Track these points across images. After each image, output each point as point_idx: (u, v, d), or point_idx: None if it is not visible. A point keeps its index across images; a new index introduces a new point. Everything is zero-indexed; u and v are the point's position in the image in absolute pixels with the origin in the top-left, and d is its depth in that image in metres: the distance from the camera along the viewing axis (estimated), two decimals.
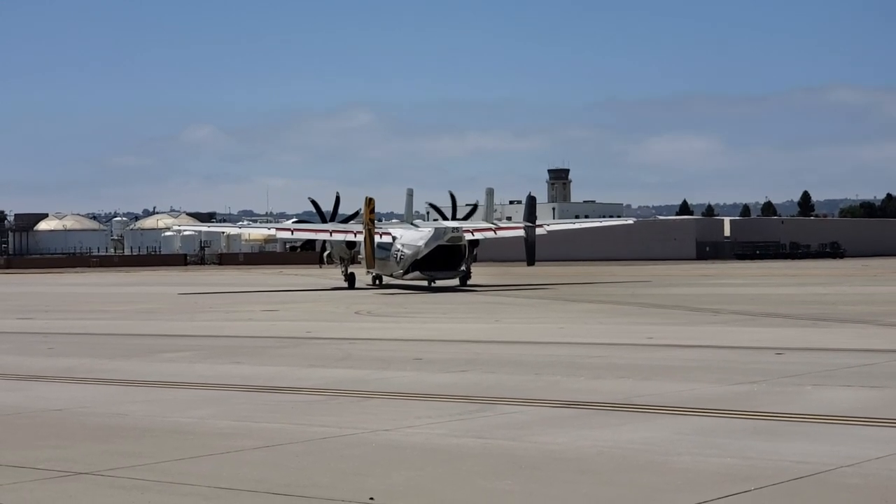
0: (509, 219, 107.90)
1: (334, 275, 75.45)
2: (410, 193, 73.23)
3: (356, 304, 50.28)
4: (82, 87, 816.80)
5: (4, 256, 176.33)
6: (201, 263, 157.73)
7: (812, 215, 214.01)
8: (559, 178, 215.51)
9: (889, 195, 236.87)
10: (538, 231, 69.45)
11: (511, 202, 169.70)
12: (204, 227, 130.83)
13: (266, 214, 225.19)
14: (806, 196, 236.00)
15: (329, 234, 69.55)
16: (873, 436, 14.11)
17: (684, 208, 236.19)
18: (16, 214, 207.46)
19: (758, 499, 10.94)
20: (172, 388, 20.38)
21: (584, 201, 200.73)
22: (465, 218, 72.52)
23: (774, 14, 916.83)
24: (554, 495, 11.30)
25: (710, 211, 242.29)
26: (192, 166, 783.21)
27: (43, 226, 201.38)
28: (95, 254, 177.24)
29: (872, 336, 28.50)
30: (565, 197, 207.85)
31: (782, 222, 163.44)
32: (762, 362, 22.54)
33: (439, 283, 65.13)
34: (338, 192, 73.16)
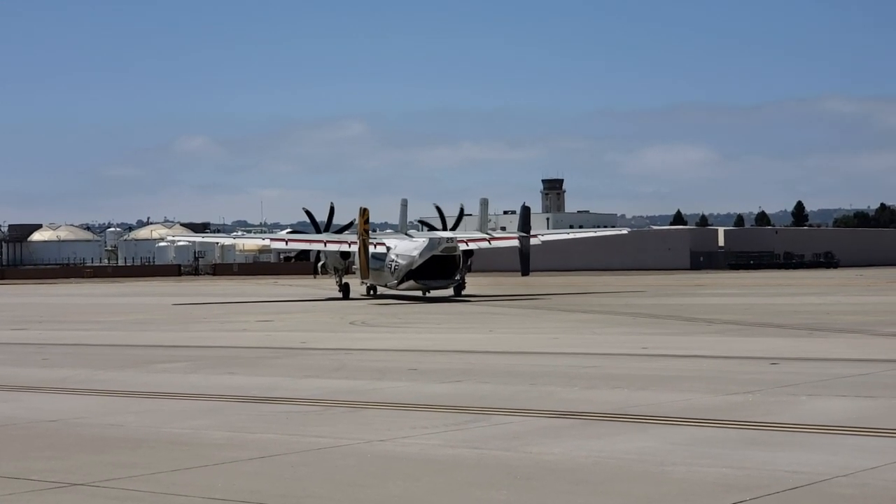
0: (503, 229, 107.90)
1: (329, 285, 75.45)
2: (405, 204, 73.28)
3: (351, 314, 50.26)
4: (75, 98, 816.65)
5: None
6: (195, 274, 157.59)
7: (806, 225, 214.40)
8: (553, 188, 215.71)
9: (882, 205, 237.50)
10: (532, 241, 69.44)
11: (505, 212, 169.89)
12: (198, 238, 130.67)
13: (260, 225, 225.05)
14: (800, 206, 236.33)
15: (323, 244, 69.58)
16: (868, 446, 14.12)
17: (678, 218, 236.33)
18: (9, 225, 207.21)
19: None
20: (167, 399, 20.36)
21: (579, 211, 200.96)
22: (455, 226, 72.61)
23: (767, 25, 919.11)
24: None
25: (704, 221, 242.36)
26: (185, 177, 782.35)
27: (37, 236, 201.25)
28: (89, 264, 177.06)
29: (867, 346, 28.53)
30: (559, 207, 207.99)
31: (776, 232, 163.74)
32: (757, 372, 22.56)
33: (434, 293, 65.13)
34: (332, 203, 73.22)
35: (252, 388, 21.52)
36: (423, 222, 78.37)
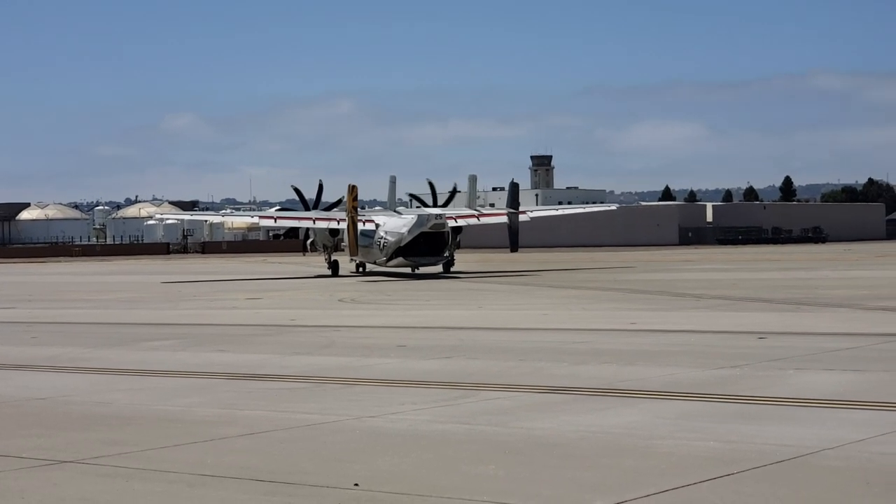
0: (492, 205, 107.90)
1: (318, 262, 75.45)
2: (393, 181, 73.20)
3: (340, 291, 50.27)
4: (64, 77, 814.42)
5: None
6: (184, 252, 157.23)
7: (794, 200, 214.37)
8: (542, 164, 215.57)
9: (870, 179, 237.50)
10: (521, 217, 69.45)
11: (494, 189, 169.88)
12: (186, 216, 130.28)
13: (249, 203, 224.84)
14: (788, 181, 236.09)
15: (312, 221, 69.47)
16: (855, 419, 14.20)
17: (667, 194, 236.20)
18: None
19: (740, 482, 11.00)
20: (156, 377, 20.37)
21: (567, 188, 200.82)
22: (445, 203, 72.48)
23: (757, 1, 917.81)
24: (538, 480, 11.34)
25: (692, 196, 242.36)
26: (174, 155, 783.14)
27: (25, 215, 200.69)
28: (78, 243, 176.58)
29: (854, 320, 28.64)
30: (548, 183, 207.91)
31: (764, 207, 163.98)
32: (744, 347, 22.65)
33: (423, 269, 65.14)
34: (321, 180, 73.07)
35: (241, 366, 21.54)
36: (413, 196, 77.94)
